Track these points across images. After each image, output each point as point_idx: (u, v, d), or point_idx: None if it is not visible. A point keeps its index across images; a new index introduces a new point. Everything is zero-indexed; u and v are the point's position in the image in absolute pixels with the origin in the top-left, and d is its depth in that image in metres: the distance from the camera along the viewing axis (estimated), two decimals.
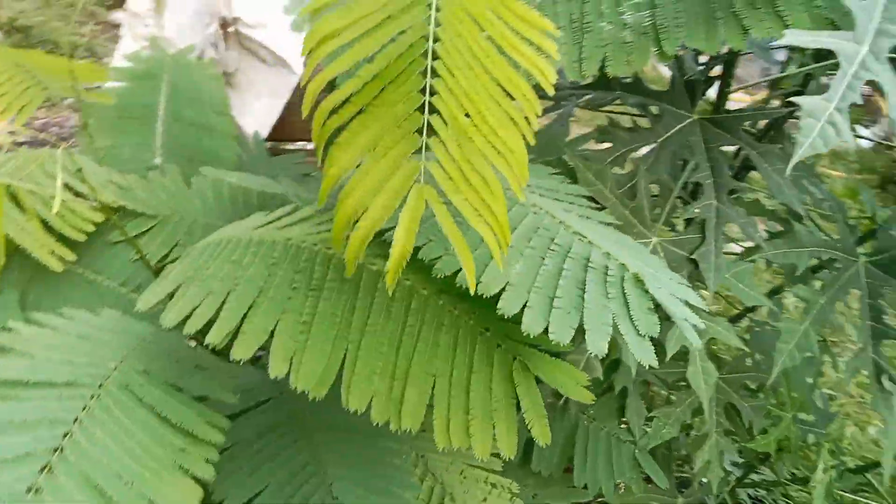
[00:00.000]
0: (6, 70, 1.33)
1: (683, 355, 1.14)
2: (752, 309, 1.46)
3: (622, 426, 1.26)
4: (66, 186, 1.05)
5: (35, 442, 0.64)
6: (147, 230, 1.11)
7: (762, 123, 1.18)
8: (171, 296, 0.79)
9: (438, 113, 0.61)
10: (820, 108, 0.71)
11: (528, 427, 0.68)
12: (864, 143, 3.79)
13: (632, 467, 1.21)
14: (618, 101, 1.12)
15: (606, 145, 1.12)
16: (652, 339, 0.65)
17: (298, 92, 2.45)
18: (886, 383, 1.10)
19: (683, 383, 1.35)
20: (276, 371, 0.70)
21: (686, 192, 1.12)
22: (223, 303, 0.75)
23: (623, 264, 0.68)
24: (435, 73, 0.62)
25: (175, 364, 0.82)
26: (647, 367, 1.01)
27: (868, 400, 2.71)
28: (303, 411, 0.92)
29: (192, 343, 0.94)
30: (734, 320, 1.38)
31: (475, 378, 0.69)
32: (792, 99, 0.73)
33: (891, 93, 0.73)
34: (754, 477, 1.66)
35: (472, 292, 0.60)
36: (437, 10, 0.65)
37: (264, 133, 2.38)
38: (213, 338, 0.72)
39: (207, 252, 0.82)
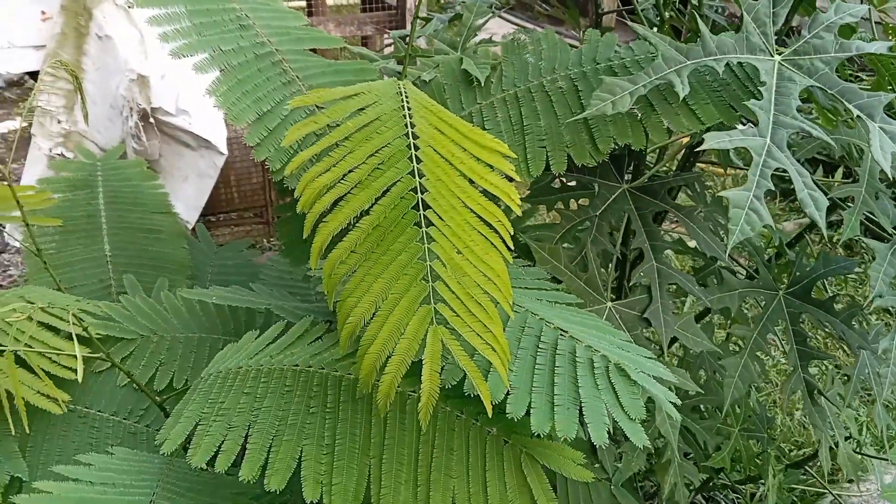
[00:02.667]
0: None
1: None
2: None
3: (595, 466, 1.37)
4: (46, 325, 1.07)
5: None
6: (128, 354, 1.14)
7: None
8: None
9: (438, 257, 0.70)
10: (742, 199, 0.85)
11: None
12: None
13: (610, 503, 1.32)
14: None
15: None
16: None
17: (224, 166, 2.47)
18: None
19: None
20: (310, 496, 0.77)
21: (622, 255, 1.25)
22: (246, 435, 0.81)
23: (605, 355, 0.78)
24: (428, 221, 0.72)
25: (196, 494, 0.87)
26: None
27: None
28: None
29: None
30: (671, 343, 1.53)
31: (490, 475, 0.78)
32: (720, 194, 0.86)
33: (794, 178, 0.88)
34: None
35: (488, 412, 0.69)
36: (418, 161, 0.75)
37: (196, 214, 2.39)
38: (246, 474, 0.78)
39: (217, 385, 0.87)
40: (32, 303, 1.11)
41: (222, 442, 0.81)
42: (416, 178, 0.73)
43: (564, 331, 0.83)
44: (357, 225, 0.72)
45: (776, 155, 0.88)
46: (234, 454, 0.80)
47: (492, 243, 0.76)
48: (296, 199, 1.27)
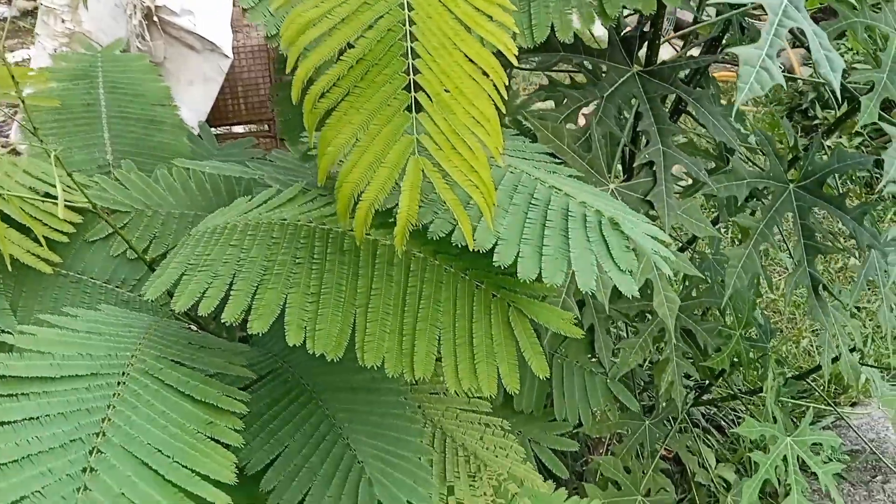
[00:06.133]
0: None
1: (641, 292, 1.25)
2: (693, 241, 1.59)
3: (592, 360, 1.36)
4: (37, 191, 1.06)
5: (77, 430, 0.69)
6: (122, 226, 1.13)
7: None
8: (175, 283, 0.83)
9: (423, 90, 0.67)
10: (753, 56, 0.80)
11: (529, 363, 0.76)
12: None
13: (605, 397, 1.32)
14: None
15: (550, 104, 1.20)
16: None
17: (230, 75, 2.43)
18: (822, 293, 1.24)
19: (644, 314, 1.47)
20: (294, 339, 0.76)
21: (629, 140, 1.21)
22: (231, 284, 0.80)
23: (599, 210, 0.76)
24: (415, 55, 0.68)
25: (185, 347, 0.86)
26: (606, 307, 1.12)
27: (798, 315, 2.94)
28: (306, 379, 0.98)
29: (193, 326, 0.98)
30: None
31: (476, 326, 0.77)
32: (729, 50, 0.82)
33: (810, 38, 0.83)
34: (707, 397, 1.82)
35: (470, 248, 0.67)
36: None
37: (200, 119, 2.36)
38: (229, 315, 0.77)
39: (205, 240, 0.86)
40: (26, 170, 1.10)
41: (206, 289, 0.80)
42: (406, 10, 0.69)
43: (559, 188, 0.80)
44: (341, 58, 0.69)
45: (792, 14, 0.83)
46: (216, 300, 0.79)
47: (484, 90, 0.73)
48: (292, 75, 1.24)
